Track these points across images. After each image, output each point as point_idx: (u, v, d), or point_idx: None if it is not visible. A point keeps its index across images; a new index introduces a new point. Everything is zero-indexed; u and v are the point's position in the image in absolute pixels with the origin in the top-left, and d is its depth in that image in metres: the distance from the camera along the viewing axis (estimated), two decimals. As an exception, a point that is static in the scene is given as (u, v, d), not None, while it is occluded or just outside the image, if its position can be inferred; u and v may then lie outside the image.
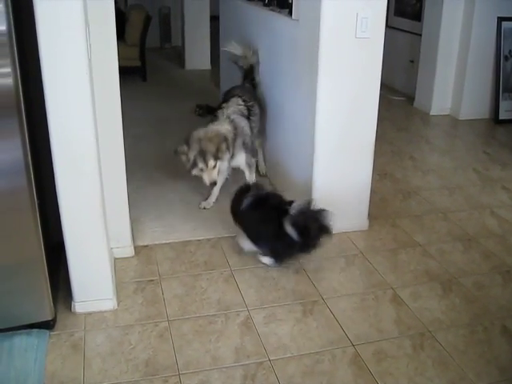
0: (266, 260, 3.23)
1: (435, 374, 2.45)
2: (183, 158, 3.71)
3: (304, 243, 3.11)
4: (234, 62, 4.62)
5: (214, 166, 3.67)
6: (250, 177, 4.05)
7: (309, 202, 3.17)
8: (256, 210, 3.23)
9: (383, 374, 2.44)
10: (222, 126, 3.80)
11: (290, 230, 3.06)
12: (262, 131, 4.39)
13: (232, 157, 3.84)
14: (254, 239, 3.25)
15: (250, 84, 4.44)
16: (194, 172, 3.72)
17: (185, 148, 3.68)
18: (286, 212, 3.09)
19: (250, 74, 4.44)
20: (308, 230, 3.07)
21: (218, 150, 3.63)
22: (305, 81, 3.47)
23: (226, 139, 3.71)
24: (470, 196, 4.27)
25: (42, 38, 2.26)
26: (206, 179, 3.70)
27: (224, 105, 4.02)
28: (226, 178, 4.23)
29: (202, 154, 3.62)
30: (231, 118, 3.88)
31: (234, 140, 3.82)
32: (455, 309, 2.90)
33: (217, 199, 4.01)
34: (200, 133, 3.71)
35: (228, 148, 3.71)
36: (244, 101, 4.06)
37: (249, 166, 4.03)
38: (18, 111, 2.25)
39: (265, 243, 3.22)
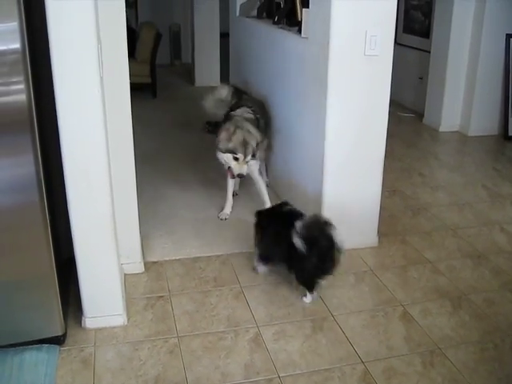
0: (308, 298, 3.08)
1: (445, 392, 2.44)
2: (222, 133, 3.71)
3: (316, 257, 2.93)
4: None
5: (247, 162, 3.72)
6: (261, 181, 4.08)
7: (315, 217, 3.09)
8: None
9: (393, 392, 2.43)
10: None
11: (297, 241, 2.90)
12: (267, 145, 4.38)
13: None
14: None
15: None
16: (224, 158, 3.72)
17: (231, 129, 3.69)
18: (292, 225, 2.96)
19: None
20: (315, 240, 2.91)
21: (256, 146, 3.71)
22: (314, 98, 3.49)
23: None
24: (479, 212, 4.26)
25: (54, 56, 2.29)
26: (236, 170, 3.71)
27: (233, 112, 4.01)
28: (236, 194, 4.26)
29: (244, 145, 3.65)
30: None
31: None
32: (465, 326, 2.88)
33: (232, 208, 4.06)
34: (245, 124, 3.76)
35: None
36: (253, 111, 4.03)
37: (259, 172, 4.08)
38: (30, 127, 2.28)
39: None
